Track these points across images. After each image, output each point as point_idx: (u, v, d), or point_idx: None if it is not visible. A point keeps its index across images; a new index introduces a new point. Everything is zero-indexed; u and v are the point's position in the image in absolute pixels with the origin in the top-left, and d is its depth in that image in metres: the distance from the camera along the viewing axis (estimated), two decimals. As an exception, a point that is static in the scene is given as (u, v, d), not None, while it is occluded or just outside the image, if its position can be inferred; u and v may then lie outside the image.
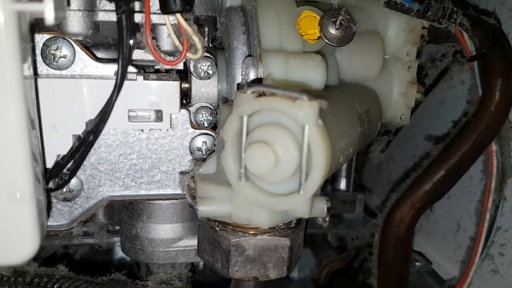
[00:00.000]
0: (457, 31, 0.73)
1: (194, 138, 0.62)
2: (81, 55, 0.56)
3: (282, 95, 0.46)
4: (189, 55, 0.56)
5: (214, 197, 0.54)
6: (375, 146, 1.01)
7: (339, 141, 0.50)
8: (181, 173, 0.63)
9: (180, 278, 0.72)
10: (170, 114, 0.60)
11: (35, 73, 0.54)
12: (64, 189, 0.58)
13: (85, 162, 0.58)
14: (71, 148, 0.54)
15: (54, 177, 0.52)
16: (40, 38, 0.54)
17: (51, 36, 0.55)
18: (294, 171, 0.46)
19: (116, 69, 0.56)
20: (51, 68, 0.55)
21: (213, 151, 0.63)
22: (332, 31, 0.58)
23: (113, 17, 0.59)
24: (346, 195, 1.19)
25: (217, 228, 0.55)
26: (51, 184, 0.54)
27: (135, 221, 0.67)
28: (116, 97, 0.47)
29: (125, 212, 0.68)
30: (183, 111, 0.61)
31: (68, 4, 0.57)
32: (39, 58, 0.55)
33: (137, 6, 0.58)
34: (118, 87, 0.47)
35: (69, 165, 0.53)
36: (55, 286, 0.66)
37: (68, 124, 0.55)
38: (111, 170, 0.61)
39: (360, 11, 0.68)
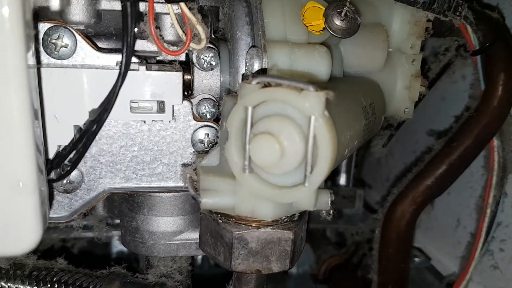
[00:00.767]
0: (461, 24, 0.73)
1: (196, 130, 0.62)
2: (83, 44, 0.55)
3: (288, 86, 0.45)
4: (192, 45, 0.55)
5: (217, 189, 0.53)
6: (377, 140, 1.01)
7: (345, 133, 0.49)
8: (183, 165, 0.62)
9: (180, 272, 0.71)
10: (173, 106, 0.59)
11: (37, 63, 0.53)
12: (65, 181, 0.57)
13: (85, 154, 0.57)
14: (73, 138, 0.53)
15: (56, 168, 0.52)
16: (42, 27, 0.53)
17: (52, 25, 0.54)
18: (299, 162, 0.46)
19: (118, 60, 0.56)
20: (52, 57, 0.54)
21: (216, 143, 0.62)
22: (337, 22, 0.58)
23: (116, 5, 0.58)
24: (346, 190, 1.19)
25: (220, 221, 0.55)
26: (52, 175, 0.53)
27: (136, 213, 0.66)
28: (120, 86, 0.46)
29: (126, 205, 0.68)
30: (185, 102, 0.60)
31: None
32: (40, 48, 0.54)
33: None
34: (122, 76, 0.46)
35: (70, 156, 0.52)
36: (54, 279, 0.65)
37: (69, 114, 0.54)
38: (112, 162, 0.60)
39: (365, 2, 0.67)
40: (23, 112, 0.40)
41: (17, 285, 0.65)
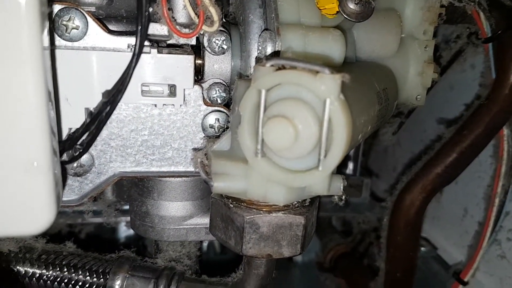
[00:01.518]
0: (474, 11, 0.72)
1: (206, 115, 0.61)
2: (94, 26, 0.55)
3: (303, 68, 0.44)
4: (205, 27, 0.54)
5: (229, 174, 0.53)
6: (386, 128, 1.00)
7: (359, 118, 0.49)
8: (194, 150, 0.62)
9: (189, 257, 0.72)
10: (184, 90, 0.58)
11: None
12: (75, 164, 0.57)
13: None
14: (85, 120, 0.53)
15: (67, 150, 0.51)
16: (53, 8, 0.53)
17: (63, 6, 0.53)
18: (313, 146, 0.45)
19: (129, 43, 0.55)
20: (62, 39, 0.54)
21: (226, 128, 0.62)
22: (351, 6, 0.57)
23: (128, -13, 0.57)
24: (353, 179, 1.18)
25: (231, 205, 0.55)
26: (64, 157, 0.52)
27: (146, 198, 0.66)
28: (134, 67, 0.46)
29: (135, 189, 0.67)
30: (196, 87, 0.60)
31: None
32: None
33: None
34: (136, 56, 0.45)
35: (83, 138, 0.52)
36: (64, 262, 0.65)
37: (80, 97, 0.54)
38: (123, 146, 0.60)
39: (378, -13, 0.66)
40: (39, 93, 0.39)
41: (26, 268, 0.65)
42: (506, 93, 0.77)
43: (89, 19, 0.54)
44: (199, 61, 0.61)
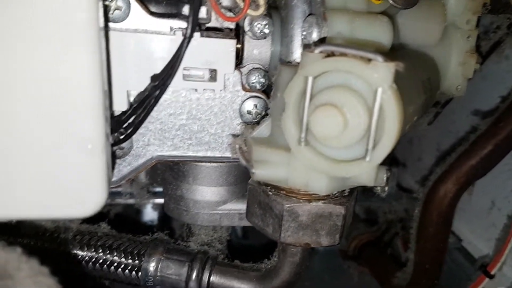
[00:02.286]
0: (519, 0, 0.70)
1: (245, 101, 0.61)
2: (136, 8, 0.54)
3: (355, 56, 0.43)
4: (249, 11, 0.53)
5: (270, 161, 0.52)
6: (423, 118, 0.98)
7: (408, 108, 0.48)
8: (232, 135, 0.61)
9: (220, 241, 0.72)
10: (224, 74, 0.58)
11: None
12: (115, 147, 0.57)
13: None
14: (130, 103, 0.53)
15: (113, 133, 0.51)
16: (96, -12, 0.52)
17: (106, -14, 0.52)
18: (361, 136, 0.45)
19: (171, 25, 0.54)
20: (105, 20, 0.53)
21: (265, 115, 0.61)
22: (399, -8, 0.55)
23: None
24: (379, 168, 1.17)
25: (270, 193, 0.54)
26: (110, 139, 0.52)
27: (181, 182, 0.66)
28: (185, 50, 0.45)
29: (170, 173, 0.67)
30: (235, 72, 0.59)
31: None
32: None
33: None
34: (188, 39, 0.45)
35: (129, 121, 0.52)
36: (99, 243, 0.66)
37: (122, 79, 0.54)
38: (161, 129, 0.60)
39: (423, -26, 0.64)
40: (97, 75, 0.39)
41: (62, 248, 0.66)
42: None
43: (132, 0, 0.54)
44: (238, 45, 0.60)
